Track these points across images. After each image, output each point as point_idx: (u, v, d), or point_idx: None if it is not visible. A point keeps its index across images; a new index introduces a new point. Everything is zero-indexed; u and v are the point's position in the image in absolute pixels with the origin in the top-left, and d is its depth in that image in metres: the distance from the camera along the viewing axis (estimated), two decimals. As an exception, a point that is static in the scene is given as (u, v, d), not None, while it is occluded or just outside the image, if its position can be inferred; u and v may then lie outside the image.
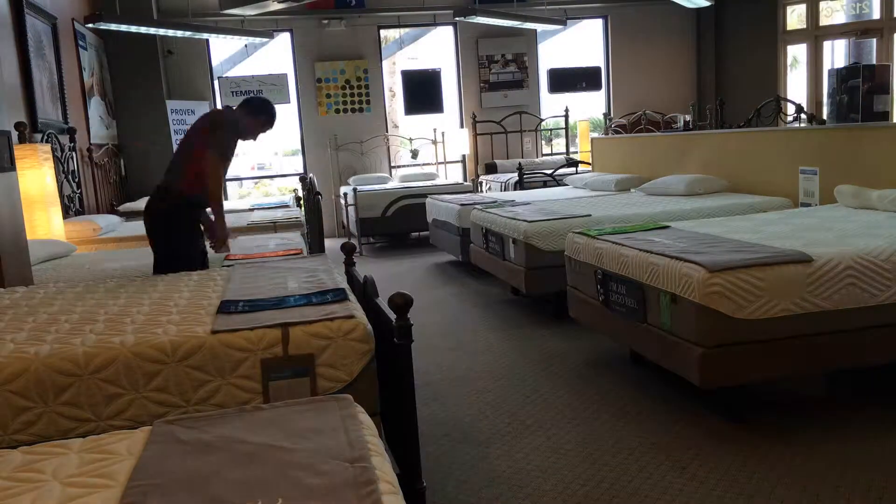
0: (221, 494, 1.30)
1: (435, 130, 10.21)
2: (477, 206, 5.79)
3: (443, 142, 10.09)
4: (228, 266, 3.51)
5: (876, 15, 8.72)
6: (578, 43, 11.37)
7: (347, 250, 3.36)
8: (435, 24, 9.97)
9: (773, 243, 3.08)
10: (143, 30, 7.30)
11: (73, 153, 6.31)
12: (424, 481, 2.24)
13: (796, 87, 9.66)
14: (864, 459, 2.57)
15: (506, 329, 4.63)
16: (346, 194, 8.45)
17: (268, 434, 1.55)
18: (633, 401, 3.27)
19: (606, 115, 10.34)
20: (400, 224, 8.26)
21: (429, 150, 10.34)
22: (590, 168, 8.31)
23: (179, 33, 7.68)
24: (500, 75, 10.15)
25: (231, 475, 1.37)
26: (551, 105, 10.52)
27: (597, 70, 10.56)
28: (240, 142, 3.77)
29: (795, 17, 9.61)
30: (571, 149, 10.71)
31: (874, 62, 8.09)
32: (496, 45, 10.05)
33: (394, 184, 9.13)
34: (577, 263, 3.78)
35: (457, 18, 8.90)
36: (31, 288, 3.22)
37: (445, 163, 10.26)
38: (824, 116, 7.71)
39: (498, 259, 5.10)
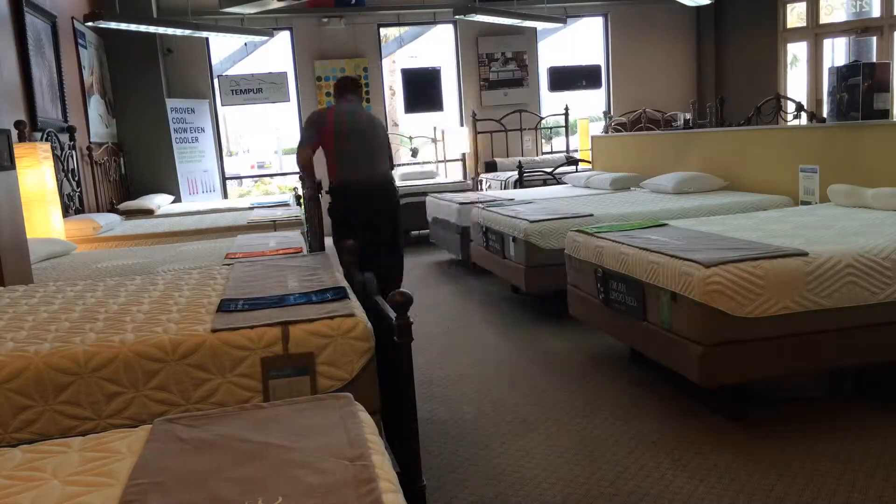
0: (222, 493, 1.30)
1: (435, 129, 10.20)
2: (477, 205, 5.78)
3: (443, 140, 10.07)
4: (228, 265, 3.51)
5: (876, 13, 8.70)
6: (578, 41, 11.38)
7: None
8: (435, 22, 9.95)
9: (773, 241, 3.08)
10: (142, 28, 7.28)
11: (73, 152, 6.30)
12: (424, 479, 2.24)
13: (796, 85, 9.64)
14: (864, 458, 2.57)
15: (506, 327, 4.63)
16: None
17: (268, 432, 1.55)
18: (633, 399, 3.27)
19: (606, 112, 10.33)
20: (400, 222, 8.24)
21: (429, 148, 10.34)
22: (590, 166, 8.31)
23: (179, 32, 7.66)
24: (500, 73, 10.14)
25: (231, 473, 1.37)
26: (551, 103, 10.51)
27: (597, 68, 10.55)
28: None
29: (795, 15, 9.60)
30: (571, 147, 10.71)
31: (874, 60, 8.08)
32: (496, 43, 10.04)
33: (394, 182, 9.10)
34: (577, 261, 3.78)
35: (457, 16, 8.88)
36: (30, 286, 3.22)
37: (445, 161, 10.25)
38: (824, 114, 7.70)
39: (498, 257, 5.10)
